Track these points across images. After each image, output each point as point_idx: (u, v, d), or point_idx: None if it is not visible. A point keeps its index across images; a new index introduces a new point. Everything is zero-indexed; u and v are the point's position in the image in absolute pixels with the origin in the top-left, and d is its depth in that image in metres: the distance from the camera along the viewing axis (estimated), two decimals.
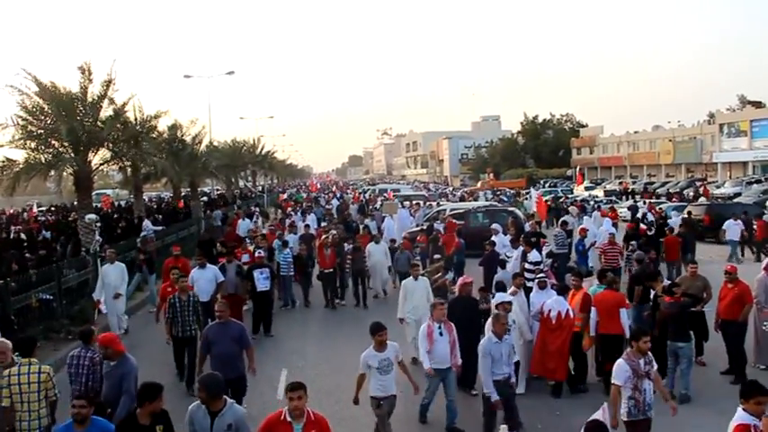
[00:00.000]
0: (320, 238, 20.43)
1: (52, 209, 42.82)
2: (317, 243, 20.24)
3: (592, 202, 41.40)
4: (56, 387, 7.92)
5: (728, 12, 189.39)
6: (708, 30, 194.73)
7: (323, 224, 27.84)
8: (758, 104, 71.26)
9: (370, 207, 37.40)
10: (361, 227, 25.59)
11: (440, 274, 16.21)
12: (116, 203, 44.03)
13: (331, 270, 18.40)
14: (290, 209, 37.41)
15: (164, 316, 12.19)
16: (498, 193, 57.11)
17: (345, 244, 19.67)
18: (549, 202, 37.00)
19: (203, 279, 14.17)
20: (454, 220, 22.74)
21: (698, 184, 57.48)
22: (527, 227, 22.75)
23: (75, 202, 26.56)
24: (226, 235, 23.89)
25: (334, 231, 21.08)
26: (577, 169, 61.30)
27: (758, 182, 52.10)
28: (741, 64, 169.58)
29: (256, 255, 16.32)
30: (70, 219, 30.10)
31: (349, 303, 18.77)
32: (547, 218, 30.20)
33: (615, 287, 11.50)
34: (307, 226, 24.14)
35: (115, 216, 31.44)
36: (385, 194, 45.88)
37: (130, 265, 18.02)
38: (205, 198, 46.79)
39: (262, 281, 15.40)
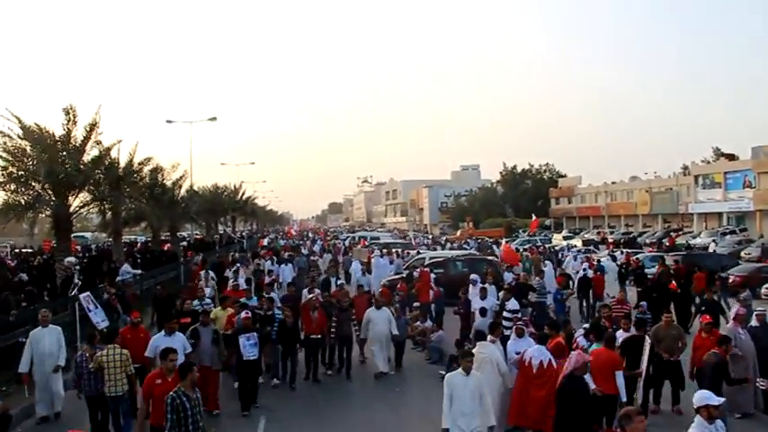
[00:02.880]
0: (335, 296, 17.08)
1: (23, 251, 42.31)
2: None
3: (565, 250, 42.12)
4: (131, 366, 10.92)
5: (704, 65, 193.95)
6: (682, 81, 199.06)
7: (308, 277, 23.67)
8: (731, 157, 72.56)
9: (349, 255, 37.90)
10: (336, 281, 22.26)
11: (418, 322, 16.29)
12: (92, 246, 43.50)
13: (318, 336, 15.07)
14: (265, 259, 32.30)
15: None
16: (479, 240, 57.39)
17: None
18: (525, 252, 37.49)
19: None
20: (427, 270, 22.75)
21: (673, 234, 58.28)
22: (508, 277, 22.93)
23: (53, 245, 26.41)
24: (188, 291, 19.26)
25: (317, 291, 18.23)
26: (533, 217, 62.04)
27: (732, 232, 52.91)
28: (715, 116, 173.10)
29: (243, 315, 13.49)
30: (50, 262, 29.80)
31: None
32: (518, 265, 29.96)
33: (612, 346, 10.95)
34: (291, 285, 19.71)
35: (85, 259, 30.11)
36: (370, 242, 46.40)
37: (105, 306, 16.93)
38: (185, 243, 46.53)
39: (249, 348, 12.82)
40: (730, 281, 25.61)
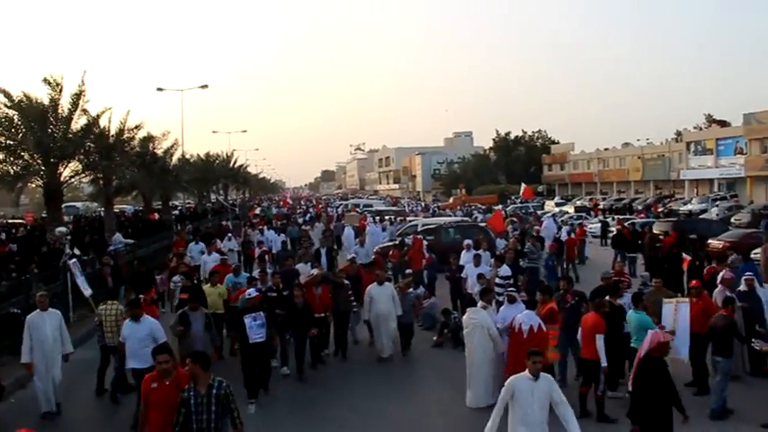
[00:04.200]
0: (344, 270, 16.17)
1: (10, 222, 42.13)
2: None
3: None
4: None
5: (696, 32, 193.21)
6: (676, 49, 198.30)
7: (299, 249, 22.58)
8: (723, 123, 72.66)
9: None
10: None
11: (410, 288, 16.35)
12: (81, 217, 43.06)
13: (323, 315, 13.70)
14: (255, 229, 30.05)
15: None
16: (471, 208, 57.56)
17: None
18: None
19: (134, 338, 10.25)
20: (420, 237, 22.87)
21: (666, 200, 58.50)
22: (501, 244, 23.06)
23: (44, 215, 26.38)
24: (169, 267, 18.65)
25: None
26: (522, 186, 62.34)
27: (723, 198, 53.08)
28: (708, 83, 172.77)
29: (248, 295, 11.95)
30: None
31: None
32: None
33: (602, 311, 10.75)
34: (289, 257, 17.89)
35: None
36: (363, 209, 46.50)
37: (94, 278, 16.91)
38: (176, 212, 46.46)
39: (256, 329, 11.23)
40: (720, 246, 25.69)
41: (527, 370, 7.62)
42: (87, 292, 15.56)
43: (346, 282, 14.76)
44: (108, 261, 18.04)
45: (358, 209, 49.13)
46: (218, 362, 12.59)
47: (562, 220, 39.10)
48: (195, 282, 16.05)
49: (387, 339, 14.04)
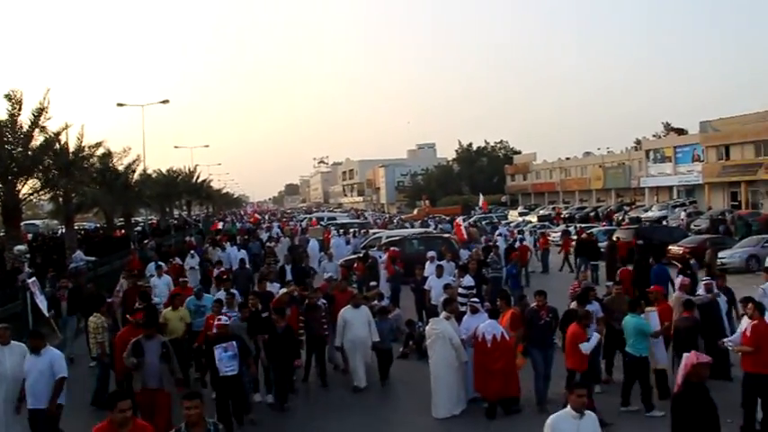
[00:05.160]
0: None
1: None
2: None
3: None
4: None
5: (652, 41, 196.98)
6: (634, 58, 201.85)
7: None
8: (681, 131, 74.16)
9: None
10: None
11: (376, 301, 16.34)
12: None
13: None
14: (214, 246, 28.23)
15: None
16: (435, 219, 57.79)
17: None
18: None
19: (36, 371, 9.14)
20: (396, 249, 22.93)
21: (626, 208, 59.44)
22: (465, 254, 23.21)
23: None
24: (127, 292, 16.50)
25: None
26: (481, 197, 63.10)
27: (682, 205, 54.11)
28: (665, 92, 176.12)
29: (216, 322, 10.76)
30: None
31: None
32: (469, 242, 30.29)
33: (584, 324, 10.78)
34: (262, 279, 15.94)
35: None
36: (327, 222, 46.61)
37: (50, 300, 15.82)
38: (139, 228, 45.93)
39: (226, 361, 10.14)
40: (681, 252, 26.23)
41: (569, 406, 6.73)
42: (47, 311, 15.29)
43: (322, 302, 13.52)
44: (65, 284, 16.85)
45: (321, 222, 49.13)
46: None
47: (521, 230, 39.57)
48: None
49: (363, 369, 12.75)
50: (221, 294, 14.16)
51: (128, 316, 11.98)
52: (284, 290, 14.12)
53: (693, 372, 7.55)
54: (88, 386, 12.38)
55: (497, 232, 34.38)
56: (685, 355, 7.95)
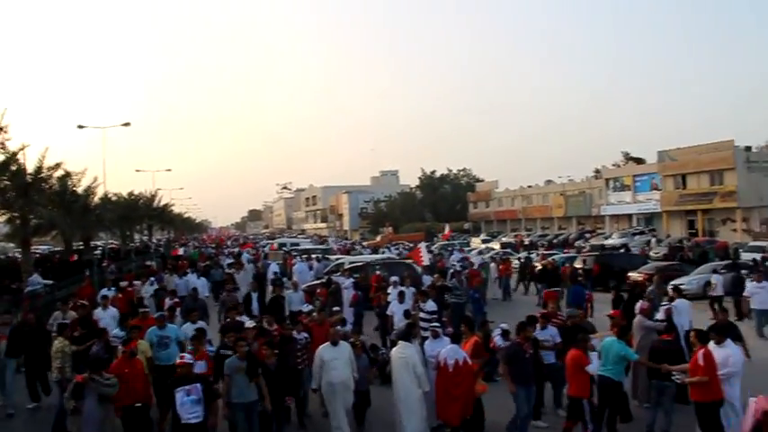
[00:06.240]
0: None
1: None
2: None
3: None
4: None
5: (613, 72, 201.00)
6: (594, 89, 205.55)
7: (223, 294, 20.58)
8: (639, 161, 75.74)
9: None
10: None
11: (339, 327, 16.18)
12: None
13: None
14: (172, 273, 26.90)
15: None
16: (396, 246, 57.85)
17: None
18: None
19: None
20: (379, 273, 22.95)
21: (587, 235, 60.18)
22: (427, 280, 23.23)
23: None
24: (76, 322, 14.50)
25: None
26: (446, 226, 63.87)
27: (642, 233, 55.01)
28: (625, 122, 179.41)
29: (178, 360, 9.45)
30: None
31: None
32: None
33: (582, 346, 10.57)
34: (231, 309, 15.05)
35: None
36: (290, 248, 46.53)
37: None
38: (98, 252, 45.19)
39: (189, 406, 8.83)
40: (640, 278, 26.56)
41: None
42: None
43: (298, 336, 12.23)
44: (7, 321, 14.77)
45: (284, 248, 48.98)
46: None
47: (486, 255, 39.97)
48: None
49: (344, 417, 10.97)
50: (189, 327, 13.05)
51: (120, 346, 11.25)
52: (251, 322, 13.08)
53: (765, 419, 7.31)
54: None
55: (452, 258, 34.71)
56: (752, 399, 7.87)
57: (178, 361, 9.32)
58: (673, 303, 14.46)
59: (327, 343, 11.13)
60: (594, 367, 10.45)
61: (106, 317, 15.50)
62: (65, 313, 15.40)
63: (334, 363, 10.84)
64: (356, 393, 11.35)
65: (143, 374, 10.56)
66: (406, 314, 15.32)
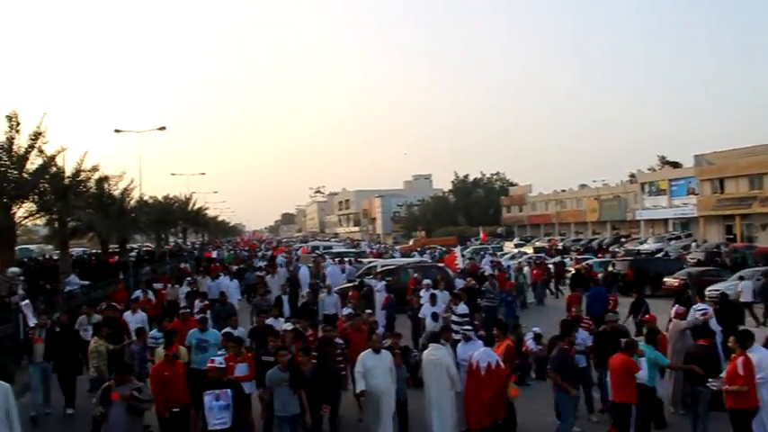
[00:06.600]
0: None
1: None
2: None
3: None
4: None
5: (650, 75, 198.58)
6: (631, 92, 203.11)
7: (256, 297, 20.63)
8: (676, 165, 74.74)
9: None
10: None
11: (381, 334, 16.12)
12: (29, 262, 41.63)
13: None
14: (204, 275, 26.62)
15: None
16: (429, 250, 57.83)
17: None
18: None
19: None
20: (416, 276, 22.92)
21: (622, 240, 59.55)
22: (460, 283, 23.19)
23: None
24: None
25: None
26: (481, 230, 63.61)
27: (677, 238, 54.27)
28: (661, 125, 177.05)
29: (209, 364, 8.98)
30: None
31: None
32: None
33: (630, 352, 10.30)
34: (262, 312, 14.59)
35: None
36: (323, 251, 46.78)
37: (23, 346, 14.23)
38: (134, 254, 45.80)
39: (217, 411, 8.43)
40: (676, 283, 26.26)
41: None
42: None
43: (339, 340, 12.31)
44: (44, 322, 13.64)
45: (317, 251, 49.30)
46: None
47: (521, 260, 39.76)
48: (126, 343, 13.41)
49: (390, 421, 10.67)
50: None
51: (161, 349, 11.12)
52: (288, 325, 12.82)
53: None
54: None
55: (483, 261, 34.85)
56: None
57: (208, 365, 8.98)
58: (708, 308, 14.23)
59: (369, 350, 10.83)
60: (645, 374, 10.27)
61: (134, 321, 15.37)
62: (90, 317, 15.20)
63: (376, 371, 10.59)
64: (397, 404, 10.99)
65: (184, 378, 10.36)
66: (434, 317, 15.39)
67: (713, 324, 13.20)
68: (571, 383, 10.65)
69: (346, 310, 15.57)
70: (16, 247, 24.86)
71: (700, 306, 13.88)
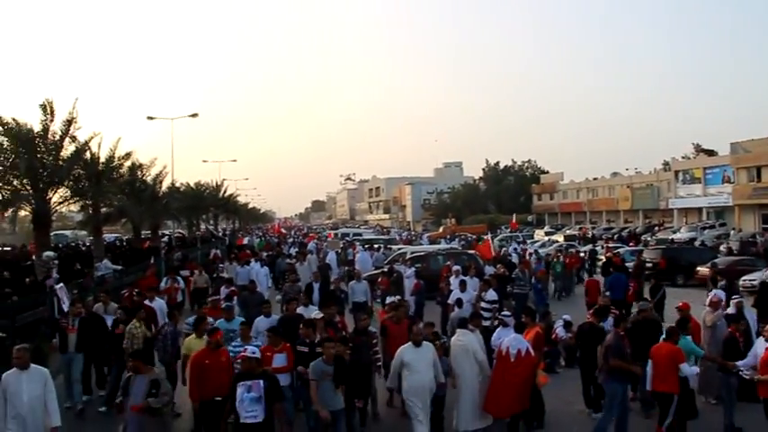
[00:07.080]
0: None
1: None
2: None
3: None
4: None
5: (684, 62, 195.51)
6: (664, 79, 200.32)
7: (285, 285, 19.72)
8: (711, 153, 73.54)
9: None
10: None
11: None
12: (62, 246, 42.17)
13: None
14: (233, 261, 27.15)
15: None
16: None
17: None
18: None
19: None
20: (449, 264, 22.92)
21: (656, 229, 58.87)
22: (489, 270, 23.13)
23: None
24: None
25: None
26: (514, 217, 63.26)
27: (711, 227, 53.48)
28: (696, 113, 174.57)
29: (240, 353, 9.08)
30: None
31: None
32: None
33: (674, 339, 10.19)
34: (291, 300, 13.64)
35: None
36: (352, 238, 46.98)
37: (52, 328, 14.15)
38: (165, 240, 46.26)
39: (248, 404, 8.12)
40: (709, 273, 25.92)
41: None
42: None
43: (373, 329, 11.98)
44: (79, 310, 13.53)
45: (347, 237, 49.47)
46: None
47: (551, 248, 39.50)
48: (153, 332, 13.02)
49: (426, 420, 9.96)
50: (262, 321, 12.29)
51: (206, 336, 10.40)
52: (319, 313, 12.44)
53: None
54: None
55: (510, 248, 34.90)
56: None
57: (240, 354, 8.77)
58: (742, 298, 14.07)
59: (409, 343, 10.23)
60: (691, 371, 10.07)
61: (157, 308, 14.90)
62: (106, 305, 14.64)
63: (417, 365, 9.99)
64: (434, 399, 10.32)
65: (227, 367, 9.74)
66: (458, 303, 15.22)
67: (747, 312, 13.07)
68: (623, 373, 10.38)
69: (389, 299, 15.30)
70: (51, 233, 25.21)
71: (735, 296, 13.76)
